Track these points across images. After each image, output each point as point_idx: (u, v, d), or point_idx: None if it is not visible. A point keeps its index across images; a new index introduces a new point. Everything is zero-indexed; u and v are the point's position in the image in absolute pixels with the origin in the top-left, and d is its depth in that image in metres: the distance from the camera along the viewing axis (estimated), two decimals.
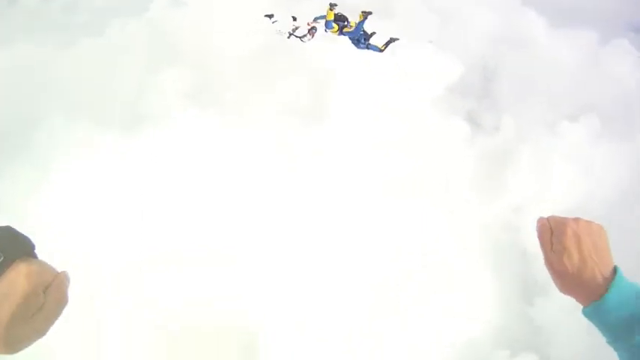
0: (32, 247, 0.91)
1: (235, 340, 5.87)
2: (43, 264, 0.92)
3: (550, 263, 1.19)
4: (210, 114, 7.01)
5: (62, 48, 8.00)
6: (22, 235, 0.90)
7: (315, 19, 5.11)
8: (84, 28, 8.16)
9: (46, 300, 0.89)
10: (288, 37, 5.21)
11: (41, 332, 0.90)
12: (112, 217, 6.27)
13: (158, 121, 7.11)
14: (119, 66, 7.68)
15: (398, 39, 5.33)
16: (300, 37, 5.21)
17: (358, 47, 5.19)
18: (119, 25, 7.90)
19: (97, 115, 7.12)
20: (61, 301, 0.92)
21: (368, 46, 5.20)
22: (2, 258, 0.84)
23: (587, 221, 1.20)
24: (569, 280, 1.17)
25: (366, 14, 5.05)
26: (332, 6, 4.97)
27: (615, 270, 1.15)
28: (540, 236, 1.22)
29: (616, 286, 1.13)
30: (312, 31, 5.13)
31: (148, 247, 6.03)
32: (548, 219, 1.23)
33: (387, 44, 5.22)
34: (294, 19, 5.07)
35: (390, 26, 8.22)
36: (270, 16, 5.13)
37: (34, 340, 0.89)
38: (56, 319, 0.91)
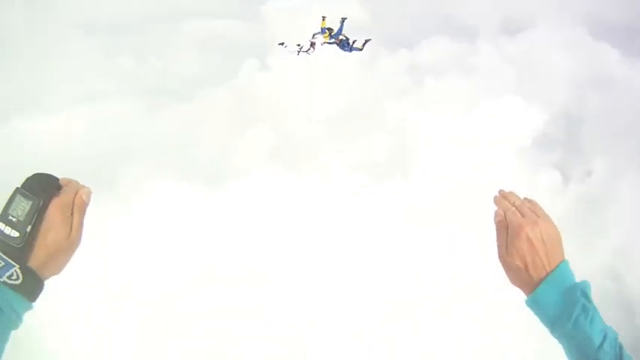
0: (57, 180, 1.15)
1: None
2: (66, 191, 1.15)
3: (503, 258, 1.25)
4: (290, 169, 7.24)
5: (154, 109, 8.55)
6: (49, 175, 1.14)
7: (313, 36, 6.22)
8: (174, 94, 8.72)
9: (72, 218, 1.13)
10: (298, 54, 6.33)
11: (76, 246, 1.15)
12: (184, 262, 6.52)
13: (240, 177, 7.41)
14: (206, 128, 8.11)
15: (370, 39, 6.29)
16: (305, 51, 6.38)
17: (344, 50, 6.29)
18: (207, 92, 8.43)
19: (182, 169, 7.47)
20: (83, 211, 1.16)
21: (351, 49, 6.23)
22: (42, 202, 1.08)
23: (544, 224, 1.25)
24: (518, 275, 1.24)
25: (342, 20, 6.21)
26: (323, 18, 6.19)
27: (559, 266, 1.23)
28: (497, 231, 1.28)
29: (550, 279, 1.21)
30: (312, 45, 6.25)
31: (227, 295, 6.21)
32: (506, 215, 1.27)
33: (364, 44, 6.21)
34: (298, 45, 6.21)
35: (469, 82, 8.37)
36: (282, 44, 6.40)
37: (73, 251, 1.15)
38: (82, 229, 1.16)
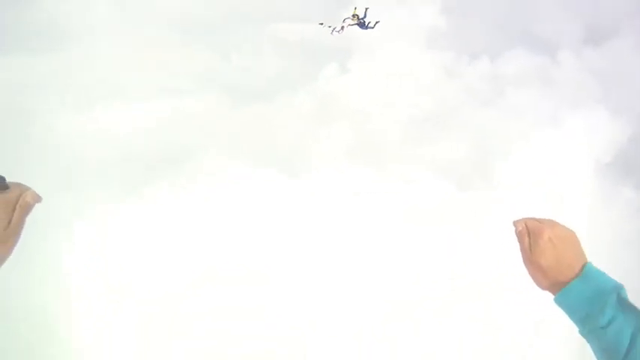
0: (4, 179, 1.17)
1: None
2: (11, 190, 1.16)
3: (528, 262, 1.33)
4: (365, 169, 7.35)
5: (234, 106, 8.83)
6: None
7: (344, 20, 7.63)
8: (255, 93, 8.99)
9: (13, 215, 1.14)
10: (331, 33, 7.60)
11: (10, 246, 1.15)
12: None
13: (313, 171, 7.54)
14: (285, 126, 8.34)
15: (379, 21, 7.78)
16: (338, 32, 7.61)
17: (362, 29, 7.68)
18: (288, 93, 8.70)
19: (259, 162, 7.65)
20: (25, 211, 1.17)
21: (367, 27, 7.64)
22: None
23: (562, 226, 1.35)
24: (544, 276, 1.32)
25: (366, 9, 7.69)
26: (355, 8, 7.65)
27: (584, 267, 1.30)
28: (520, 239, 1.36)
29: (580, 278, 1.28)
30: (342, 28, 7.61)
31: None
32: (525, 223, 1.37)
33: (375, 24, 7.65)
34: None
35: (551, 93, 8.32)
36: (322, 24, 7.67)
37: (6, 256, 1.15)
38: (21, 229, 1.16)
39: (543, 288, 1.35)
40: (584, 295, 1.28)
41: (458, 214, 6.77)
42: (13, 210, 1.15)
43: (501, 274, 6.10)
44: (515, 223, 1.40)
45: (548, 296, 1.38)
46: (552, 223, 1.37)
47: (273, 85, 9.06)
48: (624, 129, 8.34)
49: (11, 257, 1.18)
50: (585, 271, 1.30)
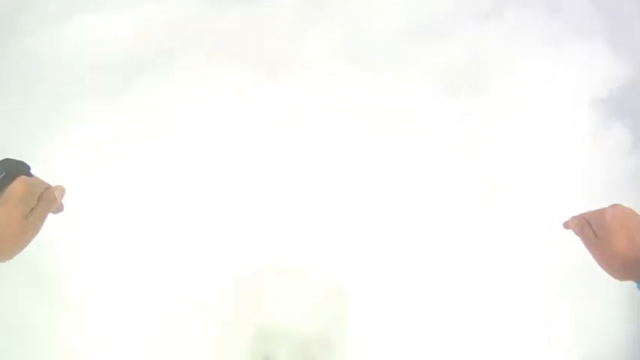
0: (28, 168, 1.13)
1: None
2: (38, 179, 1.13)
3: (599, 252, 1.22)
4: (355, 70, 7.15)
5: (219, 9, 8.49)
6: (21, 161, 1.11)
7: None
8: None
9: (37, 204, 1.08)
10: None
11: (29, 237, 1.07)
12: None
13: (300, 72, 7.35)
14: (271, 27, 8.06)
15: None
16: None
17: None
18: None
19: (242, 60, 7.46)
20: (49, 205, 1.12)
21: None
22: (4, 174, 1.05)
23: (619, 205, 1.24)
24: (621, 261, 1.18)
25: None
26: None
27: None
28: (580, 231, 1.26)
29: None
30: None
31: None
32: (581, 215, 1.28)
33: None
34: None
35: (553, 20, 8.05)
36: None
37: (23, 246, 1.07)
38: (42, 222, 1.10)
39: (622, 277, 1.20)
40: None
41: (444, 120, 6.55)
42: (37, 200, 1.09)
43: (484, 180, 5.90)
44: (569, 222, 1.30)
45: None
46: (609, 206, 1.26)
47: None
48: (623, 68, 8.13)
49: None
50: None
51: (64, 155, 5.81)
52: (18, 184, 1.06)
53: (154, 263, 5.36)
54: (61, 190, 1.15)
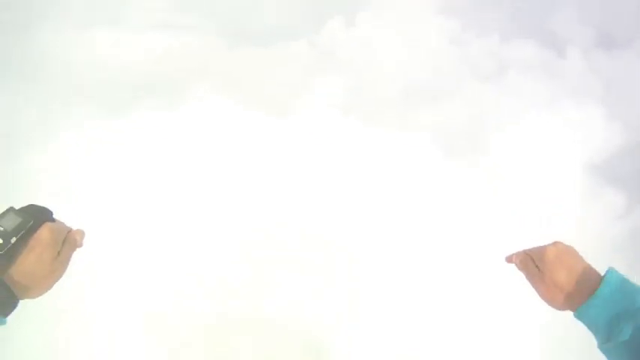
0: (51, 213, 1.19)
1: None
2: (61, 223, 1.20)
3: (541, 284, 1.31)
4: (356, 122, 7.29)
5: (231, 47, 8.72)
6: (45, 207, 1.19)
7: None
8: (254, 38, 8.88)
9: (62, 248, 1.16)
10: None
11: (58, 276, 1.17)
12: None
13: (302, 114, 7.46)
14: (278, 72, 8.26)
15: None
16: None
17: None
18: (287, 42, 8.62)
19: (246, 98, 7.61)
20: (73, 248, 1.20)
21: None
22: (32, 222, 1.11)
23: (560, 242, 1.32)
24: (559, 294, 1.28)
25: None
26: None
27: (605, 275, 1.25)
28: (524, 266, 1.34)
29: (603, 286, 1.21)
30: None
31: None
32: (524, 251, 1.36)
33: None
34: None
35: (554, 83, 8.30)
36: None
37: (52, 284, 1.16)
38: (68, 263, 1.18)
39: (562, 307, 1.31)
40: (605, 307, 1.20)
41: (442, 179, 6.67)
42: (61, 243, 1.18)
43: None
44: (512, 256, 1.38)
45: None
46: (551, 243, 1.34)
47: (274, 31, 8.92)
48: (618, 134, 8.33)
49: None
50: (607, 277, 1.24)
51: (54, 159, 5.88)
52: (45, 231, 1.12)
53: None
54: (82, 234, 1.23)
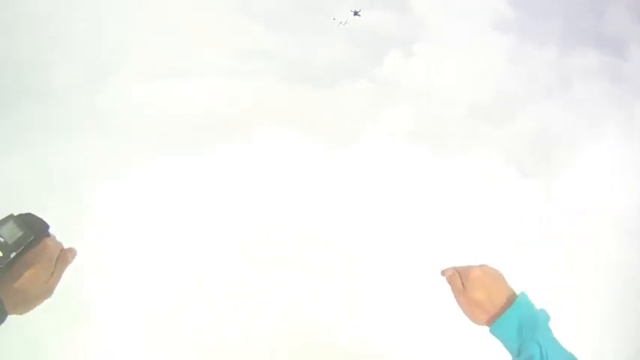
0: (48, 227, 1.20)
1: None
2: (55, 239, 1.21)
3: (463, 299, 1.42)
4: (425, 152, 7.30)
5: (293, 89, 8.98)
6: (43, 220, 1.20)
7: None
8: (317, 80, 9.14)
9: (55, 267, 1.18)
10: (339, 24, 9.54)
11: (49, 293, 1.19)
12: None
13: (371, 150, 7.54)
14: (344, 109, 8.47)
15: (360, 10, 9.79)
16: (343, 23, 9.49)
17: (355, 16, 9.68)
18: (350, 78, 8.87)
19: (312, 137, 7.70)
20: (65, 266, 1.22)
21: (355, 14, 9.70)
22: (33, 237, 1.13)
23: (488, 266, 1.44)
24: (480, 309, 1.39)
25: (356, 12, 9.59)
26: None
27: (518, 297, 1.38)
28: (452, 281, 1.44)
29: (512, 309, 1.36)
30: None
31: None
32: (454, 267, 1.46)
33: (356, 13, 9.71)
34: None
35: (619, 89, 8.17)
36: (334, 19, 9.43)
37: (43, 299, 1.19)
38: (59, 279, 1.20)
39: (480, 322, 1.43)
40: (513, 326, 1.35)
41: (518, 201, 6.65)
42: (55, 263, 1.20)
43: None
44: (444, 270, 1.50)
45: None
46: (479, 265, 1.46)
47: (335, 71, 9.23)
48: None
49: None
50: (518, 301, 1.38)
51: (121, 193, 6.12)
52: (44, 250, 1.14)
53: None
54: (74, 253, 1.24)
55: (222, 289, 5.59)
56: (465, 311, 1.45)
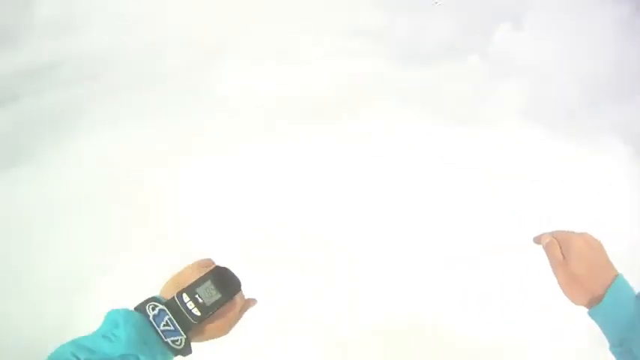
0: (240, 285, 1.29)
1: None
2: (241, 293, 1.29)
3: (562, 272, 1.31)
4: (538, 129, 7.01)
5: (404, 69, 9.10)
6: (237, 278, 1.29)
7: None
8: (426, 55, 9.26)
9: (237, 316, 1.31)
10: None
11: (226, 334, 1.30)
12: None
13: (490, 125, 7.25)
14: (454, 87, 8.53)
15: None
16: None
17: None
18: (460, 55, 8.92)
19: (423, 116, 7.40)
20: (243, 314, 1.32)
21: None
22: (228, 299, 1.24)
23: (590, 235, 1.33)
24: (577, 288, 1.28)
25: None
26: None
27: (616, 277, 1.26)
28: (550, 250, 1.33)
29: (612, 291, 1.23)
30: None
31: None
32: (553, 234, 1.35)
33: None
34: None
35: None
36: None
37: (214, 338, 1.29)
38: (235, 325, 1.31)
39: (578, 302, 1.32)
40: (615, 312, 1.23)
41: (634, 181, 5.96)
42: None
43: None
44: (540, 236, 1.38)
45: None
46: (579, 233, 1.35)
47: (444, 47, 9.03)
48: None
49: None
50: (614, 286, 1.25)
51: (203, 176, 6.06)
52: (233, 304, 1.25)
53: None
54: (254, 303, 1.33)
55: None
56: (562, 288, 1.34)
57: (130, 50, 8.39)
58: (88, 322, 1.21)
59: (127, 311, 1.13)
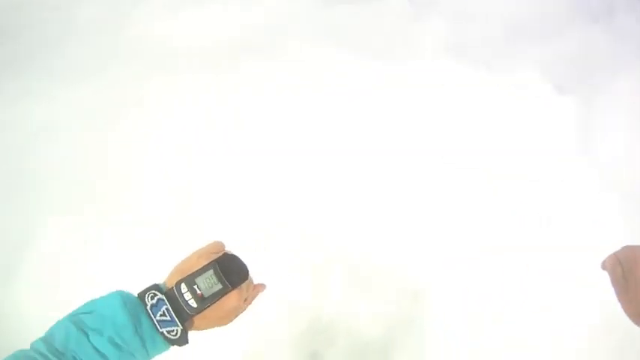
0: (248, 273, 1.18)
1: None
2: (250, 280, 1.19)
3: (623, 292, 1.18)
4: (463, 66, 7.12)
5: (328, 6, 8.80)
6: (244, 267, 1.18)
7: None
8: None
9: (243, 307, 1.25)
10: None
11: (229, 323, 1.20)
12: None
13: (406, 61, 7.27)
14: (379, 23, 8.20)
15: None
16: None
17: None
18: None
19: (347, 49, 7.39)
20: (250, 303, 1.23)
21: None
22: (229, 289, 1.13)
23: None
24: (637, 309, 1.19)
25: None
26: None
27: None
28: (612, 270, 1.20)
29: None
30: None
31: None
32: (615, 254, 1.22)
33: None
34: None
35: None
36: None
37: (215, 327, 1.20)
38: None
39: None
40: None
41: (555, 117, 6.39)
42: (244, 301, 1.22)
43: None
44: (605, 262, 1.24)
45: None
46: None
47: None
48: None
49: None
50: None
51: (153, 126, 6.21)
52: (232, 298, 1.14)
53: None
54: (264, 288, 1.25)
55: None
56: (623, 306, 1.20)
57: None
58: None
59: (123, 297, 1.09)
